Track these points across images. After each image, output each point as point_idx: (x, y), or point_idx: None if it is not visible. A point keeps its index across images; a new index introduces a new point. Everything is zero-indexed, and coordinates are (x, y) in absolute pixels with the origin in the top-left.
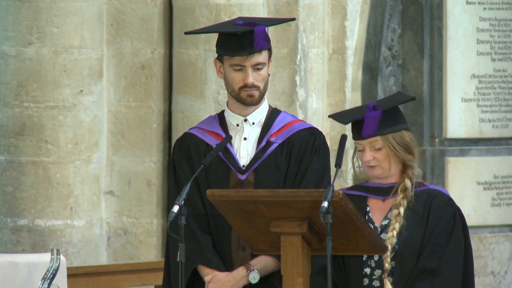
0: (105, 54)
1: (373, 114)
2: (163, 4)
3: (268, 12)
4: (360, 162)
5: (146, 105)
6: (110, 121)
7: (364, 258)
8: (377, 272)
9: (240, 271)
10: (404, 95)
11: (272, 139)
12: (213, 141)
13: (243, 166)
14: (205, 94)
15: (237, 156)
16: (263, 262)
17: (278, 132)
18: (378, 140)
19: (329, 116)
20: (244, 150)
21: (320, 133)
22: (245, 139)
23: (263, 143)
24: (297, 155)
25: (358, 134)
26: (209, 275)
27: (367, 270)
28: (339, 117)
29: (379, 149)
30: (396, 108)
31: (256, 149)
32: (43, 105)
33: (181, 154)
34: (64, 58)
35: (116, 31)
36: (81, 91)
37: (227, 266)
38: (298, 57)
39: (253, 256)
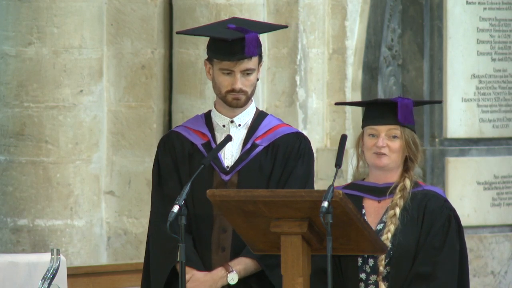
0: (105, 54)
1: (406, 102)
2: (163, 4)
3: (268, 12)
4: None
5: (146, 105)
6: (110, 121)
7: (359, 263)
8: (373, 277)
9: (219, 272)
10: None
11: (257, 142)
12: (198, 141)
13: (227, 167)
14: (205, 94)
15: (222, 157)
16: (242, 264)
17: (264, 135)
18: (397, 129)
19: (338, 104)
20: (229, 151)
21: (305, 138)
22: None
23: (248, 145)
24: (281, 159)
25: (383, 117)
26: (188, 274)
27: (363, 276)
28: (356, 103)
29: (395, 138)
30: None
31: (241, 151)
32: (43, 105)
33: (165, 151)
34: (64, 58)
35: (116, 31)
36: (81, 91)
37: (206, 266)
38: (298, 57)
39: (233, 257)
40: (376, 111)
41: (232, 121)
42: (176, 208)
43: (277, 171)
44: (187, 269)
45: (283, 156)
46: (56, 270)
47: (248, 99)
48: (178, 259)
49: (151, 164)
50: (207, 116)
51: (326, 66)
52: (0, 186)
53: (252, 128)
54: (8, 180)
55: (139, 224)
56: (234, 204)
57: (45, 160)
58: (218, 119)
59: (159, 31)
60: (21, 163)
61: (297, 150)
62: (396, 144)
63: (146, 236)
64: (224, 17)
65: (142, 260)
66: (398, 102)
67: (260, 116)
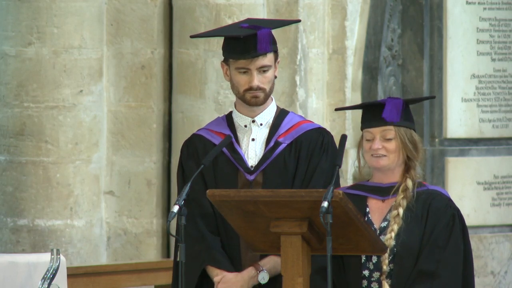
0: (105, 54)
1: (396, 101)
2: (163, 4)
3: (268, 12)
4: (362, 162)
5: (146, 105)
6: (110, 121)
7: (363, 260)
8: (376, 274)
9: (250, 272)
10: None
11: (280, 140)
12: None
13: (252, 166)
14: (205, 94)
15: (245, 157)
16: (272, 262)
17: (286, 132)
18: (391, 130)
19: (337, 109)
20: (252, 151)
21: (328, 133)
22: (253, 140)
23: (271, 143)
24: (305, 155)
25: (375, 121)
26: (219, 275)
27: (366, 272)
28: (352, 106)
29: (390, 139)
30: (409, 107)
31: (265, 150)
32: (43, 105)
33: (188, 155)
34: (64, 58)
35: (116, 31)
36: (81, 91)
37: (236, 267)
38: (298, 57)
39: (262, 256)
40: (369, 113)
41: (253, 121)
42: (176, 208)
43: (301, 167)
44: (218, 270)
45: (306, 152)
46: (56, 270)
47: (267, 96)
48: (178, 259)
49: (151, 164)
50: (229, 117)
51: (326, 66)
52: (0, 186)
53: (274, 126)
54: (8, 180)
55: (139, 224)
56: (234, 204)
57: (45, 160)
58: (240, 119)
59: (159, 31)
60: (21, 163)
61: (320, 145)
62: (392, 145)
63: (175, 240)
64: (224, 17)
65: (142, 260)
66: (386, 102)
67: (281, 113)
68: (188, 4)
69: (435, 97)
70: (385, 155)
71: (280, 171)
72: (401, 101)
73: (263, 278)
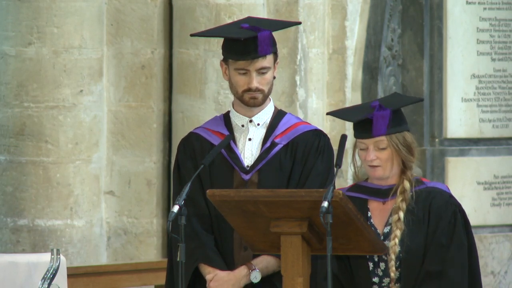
0: (105, 54)
1: (382, 113)
2: (163, 4)
3: (268, 12)
4: (359, 162)
5: (146, 105)
6: (110, 121)
7: (371, 268)
8: (386, 280)
9: (242, 270)
10: (407, 96)
11: (276, 140)
12: (218, 141)
13: (247, 166)
14: (205, 94)
15: (242, 156)
16: (264, 262)
17: (283, 133)
18: (383, 140)
19: (328, 114)
20: (249, 151)
21: (324, 135)
22: (249, 139)
23: (268, 144)
24: (301, 156)
25: (364, 132)
26: (211, 273)
27: (376, 280)
28: (343, 115)
29: (383, 148)
30: (400, 109)
31: (261, 150)
32: (43, 105)
33: (185, 153)
34: (64, 58)
35: (116, 31)
36: (81, 91)
37: (229, 265)
38: (298, 57)
39: (255, 256)
40: (359, 125)
41: (251, 121)
42: (176, 208)
43: (297, 169)
44: (210, 268)
45: (302, 153)
46: (56, 270)
47: (266, 97)
48: (178, 259)
49: (151, 164)
50: (226, 117)
51: (326, 66)
52: (0, 186)
53: (271, 127)
54: (8, 180)
55: (139, 224)
56: (234, 204)
57: (45, 160)
58: (237, 119)
59: (159, 31)
60: (21, 163)
61: (316, 147)
62: (385, 154)
63: (168, 239)
64: (224, 17)
65: (142, 260)
66: (373, 117)
67: (279, 114)
68: (188, 4)
69: (423, 100)
70: (379, 166)
71: (276, 171)
72: (388, 112)
73: (255, 277)
